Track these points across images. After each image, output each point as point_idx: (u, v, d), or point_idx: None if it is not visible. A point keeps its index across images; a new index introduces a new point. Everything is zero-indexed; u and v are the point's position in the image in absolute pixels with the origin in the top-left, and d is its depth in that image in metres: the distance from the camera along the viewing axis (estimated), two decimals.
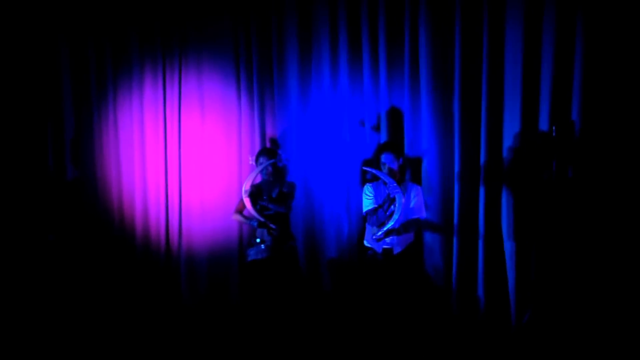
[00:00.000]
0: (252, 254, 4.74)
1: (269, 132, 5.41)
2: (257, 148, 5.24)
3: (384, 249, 4.44)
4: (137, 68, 5.74)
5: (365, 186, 4.65)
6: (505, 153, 4.63)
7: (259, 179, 4.83)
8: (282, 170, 4.92)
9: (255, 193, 4.69)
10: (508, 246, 4.62)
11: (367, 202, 4.57)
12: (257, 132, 5.39)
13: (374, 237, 4.45)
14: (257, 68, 5.38)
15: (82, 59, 5.84)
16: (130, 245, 5.75)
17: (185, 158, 5.66)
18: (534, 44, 4.49)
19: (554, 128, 4.37)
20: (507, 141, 4.61)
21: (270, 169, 4.75)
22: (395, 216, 4.36)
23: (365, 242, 4.66)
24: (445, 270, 4.86)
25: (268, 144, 5.31)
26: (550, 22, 4.41)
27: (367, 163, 4.96)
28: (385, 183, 4.46)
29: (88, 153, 5.86)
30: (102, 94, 5.83)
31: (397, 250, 4.49)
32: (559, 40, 4.39)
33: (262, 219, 4.60)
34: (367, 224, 4.65)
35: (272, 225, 4.61)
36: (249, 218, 4.74)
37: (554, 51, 4.40)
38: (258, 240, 4.70)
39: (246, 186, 4.59)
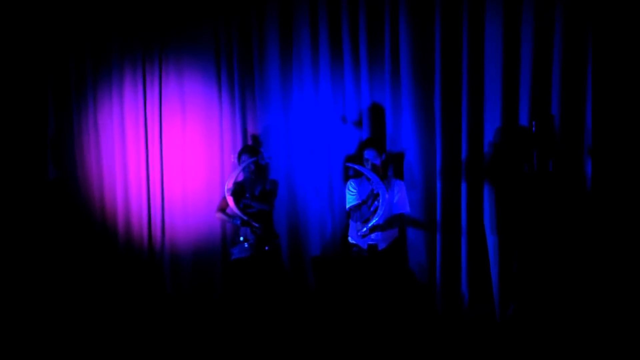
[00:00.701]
0: (235, 253, 4.72)
1: (251, 130, 5.40)
2: (239, 146, 5.23)
3: (369, 245, 4.44)
4: (117, 70, 5.72)
5: (348, 182, 4.64)
6: (486, 148, 4.66)
7: (241, 177, 4.81)
8: (264, 168, 4.91)
9: (238, 191, 4.67)
10: (491, 241, 4.65)
11: (351, 198, 4.57)
12: (238, 130, 5.39)
13: (358, 233, 4.45)
14: (238, 67, 5.39)
15: (63, 62, 5.80)
16: (113, 244, 5.73)
17: (167, 157, 5.65)
18: (513, 40, 4.53)
19: (533, 123, 4.41)
20: (488, 136, 4.64)
21: (252, 167, 4.73)
22: (380, 212, 4.36)
23: (349, 239, 4.65)
24: (429, 265, 4.88)
25: (250, 142, 5.29)
26: (529, 18, 4.46)
27: (350, 159, 4.96)
28: (368, 179, 4.46)
29: (68, 152, 5.83)
30: (82, 95, 5.80)
31: (381, 246, 4.49)
32: (538, 36, 4.44)
33: (245, 217, 4.58)
34: (350, 221, 4.65)
35: (255, 224, 4.59)
36: (232, 216, 4.72)
37: (533, 47, 4.44)
38: (241, 238, 4.68)
39: (229, 184, 4.57)
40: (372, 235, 4.44)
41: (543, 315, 4.40)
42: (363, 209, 4.50)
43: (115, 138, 5.75)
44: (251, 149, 4.81)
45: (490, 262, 4.66)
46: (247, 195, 4.69)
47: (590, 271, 4.34)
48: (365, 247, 4.47)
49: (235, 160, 4.81)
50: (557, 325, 4.33)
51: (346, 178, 4.91)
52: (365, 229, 4.38)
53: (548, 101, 4.45)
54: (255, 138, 5.34)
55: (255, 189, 4.75)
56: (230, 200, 4.56)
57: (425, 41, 4.81)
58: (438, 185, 4.79)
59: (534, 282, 4.48)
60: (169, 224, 5.64)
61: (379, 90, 5.00)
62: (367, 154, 4.49)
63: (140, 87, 5.69)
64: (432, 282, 4.86)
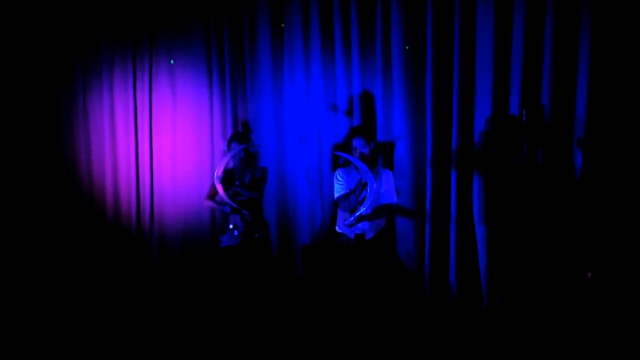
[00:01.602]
0: (225, 241, 4.71)
1: (242, 117, 5.38)
2: (230, 133, 5.20)
3: (356, 235, 4.44)
4: (107, 61, 5.68)
5: (337, 171, 4.63)
6: (476, 137, 4.66)
7: (231, 165, 4.79)
8: (254, 155, 4.88)
9: (228, 179, 4.65)
10: (479, 230, 4.66)
11: (339, 188, 4.56)
12: (229, 117, 5.36)
13: (345, 222, 4.45)
14: (229, 55, 5.35)
15: (52, 58, 5.76)
16: (102, 228, 5.72)
17: (156, 143, 5.62)
18: (504, 29, 4.52)
19: (524, 112, 4.41)
20: (479, 126, 4.65)
21: (242, 154, 4.70)
22: (368, 201, 4.35)
23: (337, 228, 4.65)
24: (417, 255, 4.89)
25: (240, 129, 5.27)
26: (521, 7, 4.45)
27: (338, 148, 4.95)
28: (357, 168, 4.45)
29: (58, 139, 5.81)
30: (72, 84, 5.76)
31: (369, 235, 4.49)
32: (529, 25, 4.43)
33: (234, 205, 4.56)
34: (338, 210, 4.65)
35: (244, 211, 4.58)
36: (221, 204, 4.70)
37: (524, 36, 4.44)
38: (231, 226, 4.67)
39: (218, 172, 4.55)
40: (360, 225, 4.44)
41: (530, 305, 4.42)
42: (351, 199, 4.49)
43: (104, 125, 5.71)
44: (241, 136, 4.78)
45: (479, 251, 4.68)
46: (237, 182, 4.67)
47: (577, 262, 4.36)
48: (352, 236, 4.47)
49: (225, 148, 4.78)
50: (543, 315, 4.35)
51: (335, 167, 4.89)
52: (352, 218, 4.38)
53: (539, 91, 4.45)
54: (245, 125, 5.31)
55: (244, 176, 4.72)
56: (219, 188, 4.53)
57: (417, 30, 4.80)
58: (428, 174, 4.79)
59: (522, 272, 4.50)
60: (157, 211, 5.62)
61: (370, 79, 4.98)
62: (356, 142, 4.48)
63: (131, 75, 5.64)
64: (421, 270, 4.87)
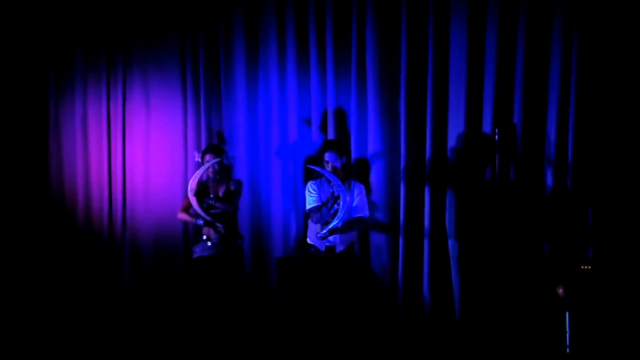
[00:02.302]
0: (198, 251, 4.66)
1: (216, 129, 5.36)
2: (204, 145, 5.18)
3: (327, 247, 4.47)
4: (80, 72, 5.62)
5: (308, 183, 4.63)
6: (449, 154, 4.74)
7: (205, 177, 4.75)
8: (228, 168, 4.85)
9: (202, 191, 4.62)
10: (452, 244, 4.74)
11: (310, 200, 4.57)
12: (203, 129, 5.34)
13: (317, 235, 4.46)
14: (204, 69, 5.34)
15: (25, 70, 5.66)
16: (73, 237, 5.62)
17: (129, 155, 5.55)
18: (477, 48, 4.63)
19: (496, 130, 4.48)
20: (452, 142, 4.72)
21: (217, 166, 4.67)
22: (340, 214, 4.37)
23: (307, 240, 4.66)
24: (391, 268, 4.93)
25: (215, 142, 5.25)
26: (494, 27, 4.57)
27: (311, 161, 4.95)
28: (329, 181, 4.48)
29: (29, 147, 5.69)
30: (44, 97, 5.68)
31: (339, 248, 4.51)
32: (502, 44, 4.56)
33: (208, 218, 4.53)
34: (309, 221, 4.66)
35: (218, 224, 4.55)
36: (195, 216, 4.65)
37: (497, 55, 4.56)
38: (204, 237, 4.64)
39: (192, 184, 4.51)
40: (331, 238, 4.46)
41: (501, 318, 4.48)
42: (323, 211, 4.50)
43: (77, 135, 5.63)
44: (215, 149, 4.76)
45: (451, 265, 4.74)
46: (211, 195, 4.64)
47: (548, 277, 4.44)
48: (323, 248, 4.49)
49: (199, 160, 4.75)
50: (514, 328, 4.42)
51: (306, 179, 4.89)
52: (325, 230, 4.40)
53: (511, 110, 4.56)
54: (220, 137, 5.30)
55: (219, 189, 4.70)
56: (193, 201, 4.50)
57: (392, 46, 4.87)
58: (402, 188, 4.83)
59: (493, 286, 4.56)
60: (130, 220, 5.56)
61: (345, 94, 5.02)
62: (328, 156, 4.50)
63: (104, 86, 5.59)
64: (395, 283, 4.90)
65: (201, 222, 4.58)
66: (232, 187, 4.70)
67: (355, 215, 4.57)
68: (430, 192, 4.76)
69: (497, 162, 4.46)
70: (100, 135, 5.61)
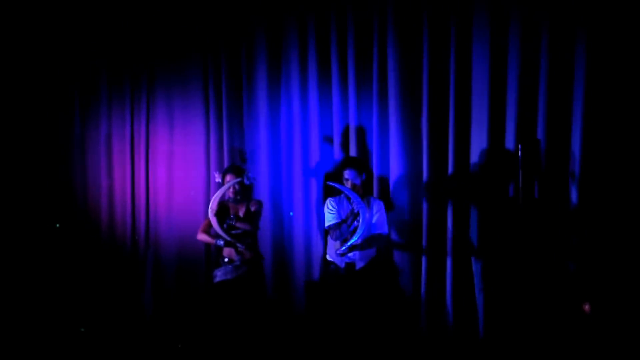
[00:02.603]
0: (219, 275, 4.64)
1: (238, 148, 5.40)
2: (226, 164, 5.20)
3: (347, 264, 4.44)
4: (106, 94, 5.76)
5: (327, 200, 4.61)
6: (472, 170, 4.67)
7: (226, 197, 4.76)
8: (249, 188, 4.85)
9: (222, 211, 4.62)
10: (475, 262, 4.66)
11: (330, 216, 4.54)
12: (225, 148, 5.38)
13: (337, 252, 4.44)
14: (227, 88, 5.40)
15: (51, 90, 5.81)
16: (97, 255, 5.72)
17: (152, 173, 5.65)
18: (500, 64, 4.56)
19: (519, 146, 4.40)
20: (474, 158, 4.66)
21: (237, 187, 4.67)
22: (360, 231, 4.35)
23: (327, 257, 4.64)
24: (414, 286, 4.87)
25: (236, 162, 5.27)
26: (516, 42, 4.49)
27: (331, 178, 4.92)
28: (348, 198, 4.46)
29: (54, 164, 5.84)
30: (70, 117, 5.83)
31: (359, 265, 4.48)
32: (525, 60, 4.48)
33: (229, 239, 4.53)
34: (329, 238, 4.63)
35: (239, 245, 4.54)
36: (215, 237, 4.64)
37: (519, 71, 4.48)
38: (226, 259, 4.63)
39: (213, 205, 4.51)
40: (350, 254, 4.43)
41: (527, 336, 4.40)
42: (343, 228, 4.47)
43: (101, 154, 5.76)
44: (236, 169, 4.76)
45: (475, 282, 4.67)
46: (232, 216, 4.63)
47: (574, 295, 4.34)
48: (342, 265, 4.46)
49: (220, 180, 4.75)
50: (540, 346, 4.34)
51: (326, 196, 4.87)
52: (344, 247, 4.37)
53: (534, 125, 4.47)
54: (241, 156, 5.31)
55: (239, 209, 4.70)
56: (213, 221, 4.49)
57: (413, 63, 4.83)
58: (424, 206, 4.79)
59: (518, 304, 4.47)
60: (152, 237, 5.64)
61: (366, 113, 5.00)
62: (347, 173, 4.48)
63: (128, 105, 5.70)
64: (417, 301, 4.84)
65: (222, 242, 4.57)
66: (253, 208, 4.68)
67: (375, 232, 4.53)
68: (452, 208, 4.70)
69: (520, 178, 4.38)
70: (123, 153, 5.72)
